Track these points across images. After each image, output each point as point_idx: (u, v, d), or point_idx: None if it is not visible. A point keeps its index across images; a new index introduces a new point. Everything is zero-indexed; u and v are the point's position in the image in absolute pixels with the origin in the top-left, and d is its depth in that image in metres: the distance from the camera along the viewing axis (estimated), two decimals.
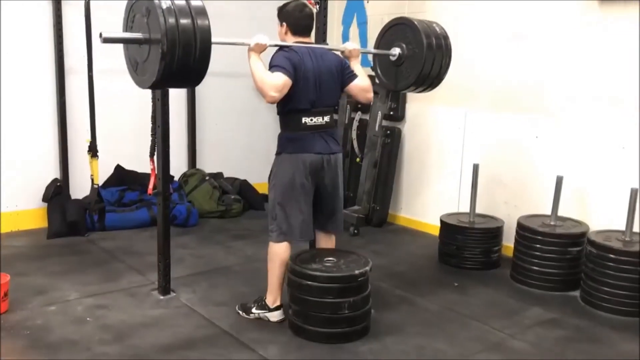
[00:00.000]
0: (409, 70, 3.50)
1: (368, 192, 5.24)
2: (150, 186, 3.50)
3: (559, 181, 3.95)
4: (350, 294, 3.04)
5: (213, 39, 2.56)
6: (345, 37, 5.77)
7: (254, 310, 3.31)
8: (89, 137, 4.78)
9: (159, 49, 2.41)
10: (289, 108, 3.10)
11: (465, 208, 4.51)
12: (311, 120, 3.12)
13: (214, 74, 6.30)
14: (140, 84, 2.68)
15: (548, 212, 4.02)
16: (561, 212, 4.01)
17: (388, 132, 5.20)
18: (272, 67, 3.00)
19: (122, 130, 5.18)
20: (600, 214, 4.01)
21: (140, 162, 4.81)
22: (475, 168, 4.37)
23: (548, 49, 4.24)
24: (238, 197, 5.62)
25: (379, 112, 5.21)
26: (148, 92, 3.50)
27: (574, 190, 4.12)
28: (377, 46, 3.69)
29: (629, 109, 3.84)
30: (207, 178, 5.56)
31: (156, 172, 3.51)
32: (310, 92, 3.08)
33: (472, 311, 3.54)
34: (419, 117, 5.21)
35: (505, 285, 3.99)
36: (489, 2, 4.56)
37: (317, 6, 3.92)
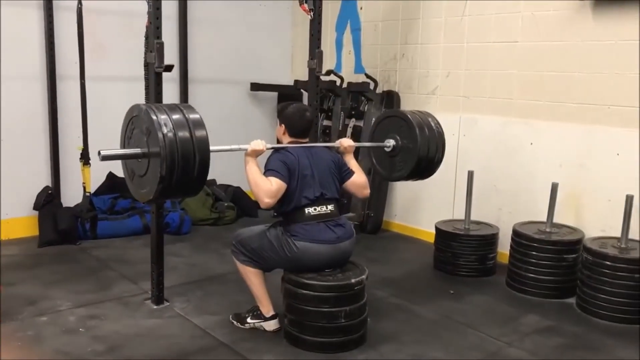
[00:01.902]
0: (404, 162, 3.54)
1: (362, 199, 5.21)
2: None
3: (554, 188, 3.95)
4: (346, 302, 3.01)
5: (211, 147, 2.59)
6: (339, 44, 5.77)
7: (249, 320, 3.27)
8: (80, 145, 4.75)
9: (159, 166, 2.44)
10: (291, 207, 3.08)
11: (460, 215, 4.50)
12: (315, 210, 3.09)
13: (208, 81, 6.33)
14: (139, 196, 2.69)
15: (543, 219, 4.02)
16: (556, 219, 4.01)
17: None
18: (267, 170, 3.04)
19: (114, 138, 5.08)
20: (595, 220, 4.01)
21: None
22: (470, 175, 4.36)
23: (543, 54, 4.24)
24: (231, 204, 5.59)
25: (373, 119, 5.19)
26: (141, 98, 3.47)
27: (569, 197, 4.12)
28: (371, 136, 3.73)
29: (624, 115, 3.85)
30: None
31: None
32: (310, 187, 3.09)
33: (468, 319, 3.53)
34: None
35: (501, 293, 3.97)
36: (482, 6, 4.57)
37: (312, 13, 3.91)
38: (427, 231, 4.96)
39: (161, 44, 3.25)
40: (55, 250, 4.53)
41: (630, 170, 3.81)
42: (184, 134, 2.49)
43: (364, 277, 3.09)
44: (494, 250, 4.31)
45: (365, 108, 5.30)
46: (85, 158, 4.75)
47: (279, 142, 3.30)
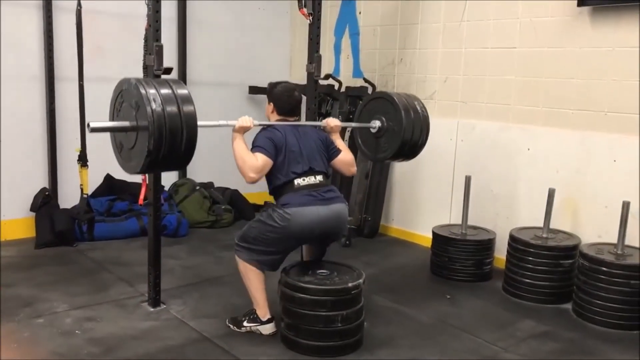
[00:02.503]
0: (388, 143, 3.56)
1: (360, 203, 5.22)
2: (142, 196, 3.47)
3: (551, 193, 3.96)
4: (343, 306, 3.01)
5: (199, 123, 2.61)
6: (338, 48, 5.78)
7: (245, 323, 3.27)
8: (78, 146, 4.75)
9: (147, 140, 2.45)
10: (280, 182, 3.12)
11: (458, 219, 4.51)
12: (304, 180, 3.12)
13: (207, 83, 6.34)
14: (127, 169, 2.71)
15: (540, 224, 4.02)
16: (553, 225, 4.02)
17: None
18: (254, 147, 3.08)
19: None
20: (592, 226, 4.02)
21: None
22: (468, 180, 4.37)
23: (541, 60, 4.26)
24: (229, 207, 5.59)
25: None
26: None
27: (566, 202, 4.14)
28: (358, 116, 3.76)
29: (621, 122, 3.87)
30: (197, 188, 5.53)
31: (147, 182, 3.47)
32: (297, 162, 3.13)
33: (464, 323, 3.53)
34: None
35: (497, 298, 3.98)
36: (480, 12, 4.59)
37: (311, 17, 3.92)
38: (424, 235, 4.96)
39: (160, 47, 3.25)
40: (52, 252, 4.53)
41: (626, 176, 3.83)
42: (172, 109, 2.50)
43: (360, 281, 3.09)
44: (491, 255, 4.32)
45: None
46: (83, 160, 4.75)
47: (267, 120, 3.32)
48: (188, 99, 2.58)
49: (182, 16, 5.49)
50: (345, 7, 5.69)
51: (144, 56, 3.36)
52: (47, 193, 4.80)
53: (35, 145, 4.85)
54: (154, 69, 3.27)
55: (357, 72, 5.60)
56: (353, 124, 3.79)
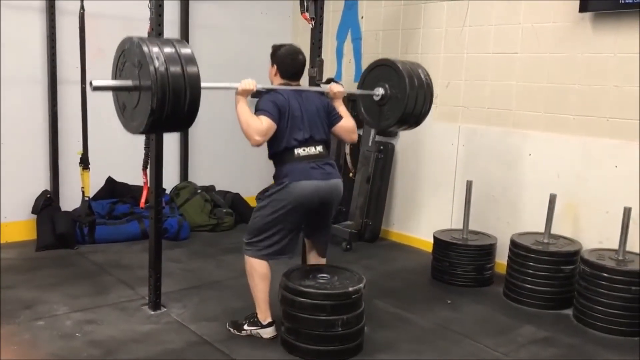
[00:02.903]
0: (391, 111, 3.53)
1: (361, 207, 5.22)
2: (143, 199, 3.47)
3: (552, 199, 3.96)
4: (343, 311, 3.01)
5: (202, 84, 2.58)
6: (340, 53, 5.79)
7: (245, 327, 3.27)
8: (80, 149, 4.76)
9: (150, 99, 2.42)
10: (280, 148, 3.12)
11: (459, 224, 4.51)
12: (304, 150, 3.14)
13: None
14: (130, 129, 2.68)
15: (541, 229, 4.02)
16: (554, 230, 4.01)
17: (381, 147, 5.20)
18: (257, 110, 3.08)
19: (114, 142, 5.13)
20: (593, 232, 4.01)
21: (132, 174, 4.77)
22: (469, 185, 4.37)
23: (542, 65, 4.26)
24: (230, 210, 5.59)
25: (372, 131, 5.21)
26: None
27: (567, 208, 4.13)
28: (361, 84, 3.72)
29: (622, 128, 3.87)
30: (198, 191, 5.53)
31: (148, 185, 3.47)
32: (299, 128, 3.13)
33: (465, 329, 3.52)
34: (413, 133, 5.15)
35: (498, 303, 3.97)
36: (482, 17, 4.59)
37: (313, 21, 3.93)
38: (425, 240, 4.96)
39: None
40: (53, 255, 4.53)
41: (628, 182, 3.82)
42: (175, 69, 2.46)
43: (361, 285, 3.09)
44: (492, 261, 4.32)
45: None
46: (84, 162, 4.75)
47: (271, 83, 3.31)
48: (192, 59, 2.54)
49: (184, 19, 5.50)
50: (348, 12, 5.70)
51: None
52: (48, 195, 4.81)
53: (37, 148, 4.86)
54: None
55: (358, 77, 5.59)
56: (356, 91, 3.72)
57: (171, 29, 5.32)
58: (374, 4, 5.46)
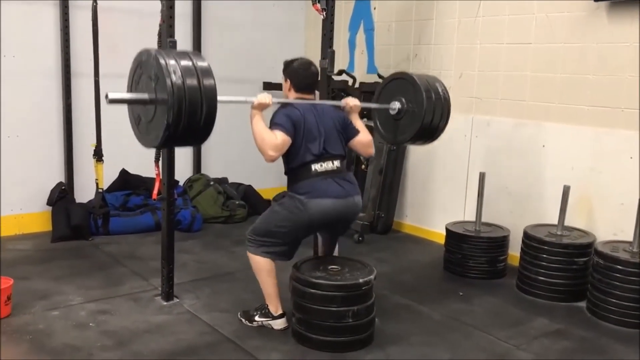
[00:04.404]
0: (408, 125, 3.49)
1: (373, 199, 5.21)
2: (155, 191, 3.48)
3: (566, 191, 3.92)
4: (354, 302, 3.01)
5: (218, 98, 2.56)
6: (352, 44, 5.77)
7: (256, 318, 3.28)
8: (94, 141, 4.79)
9: (166, 113, 2.41)
10: (297, 163, 3.09)
11: (471, 216, 4.49)
12: (321, 166, 3.09)
13: (220, 79, 6.30)
14: (144, 142, 2.68)
15: (554, 221, 3.99)
16: (568, 222, 3.98)
17: None
18: (272, 125, 3.04)
19: (127, 135, 5.14)
20: (607, 224, 3.98)
21: (145, 166, 4.79)
22: (482, 176, 4.34)
23: (556, 55, 4.21)
24: (242, 202, 5.61)
25: None
26: None
27: (581, 200, 4.09)
28: (377, 98, 3.69)
29: (638, 118, 3.82)
30: (211, 183, 5.55)
31: (161, 177, 3.49)
32: (316, 143, 3.09)
33: (477, 321, 3.51)
34: None
35: (510, 295, 3.95)
36: (496, 8, 4.55)
37: (324, 13, 3.91)
38: (437, 232, 4.95)
39: (174, 42, 3.26)
40: (67, 246, 4.58)
41: None
42: (192, 81, 2.45)
43: (372, 277, 3.09)
44: (505, 253, 4.29)
45: None
46: (98, 155, 4.79)
47: (286, 98, 3.28)
48: (208, 72, 2.53)
49: (197, 12, 5.51)
50: (360, 3, 5.67)
51: None
52: (63, 187, 4.86)
53: (52, 140, 4.91)
54: None
55: (371, 68, 5.59)
56: (372, 105, 3.70)
57: (183, 22, 5.33)
58: None
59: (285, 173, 3.19)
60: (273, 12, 6.03)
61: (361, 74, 5.58)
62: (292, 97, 3.24)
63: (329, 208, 3.05)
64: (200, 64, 2.53)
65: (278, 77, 5.95)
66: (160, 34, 3.35)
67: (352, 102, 3.35)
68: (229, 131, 5.94)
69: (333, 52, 4.02)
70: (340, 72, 5.35)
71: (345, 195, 3.10)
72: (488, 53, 4.64)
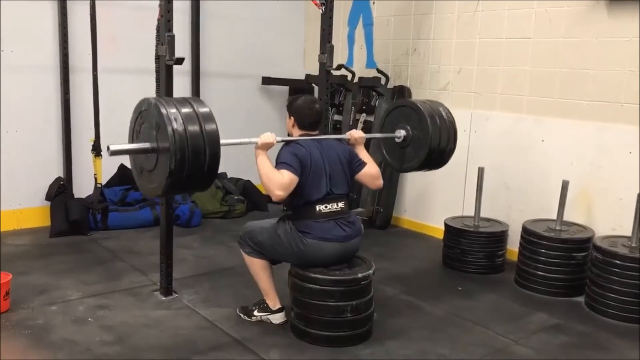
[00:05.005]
0: (414, 153, 3.50)
1: (372, 194, 5.21)
2: None
3: (565, 186, 3.92)
4: (352, 297, 3.01)
5: (221, 141, 2.58)
6: (351, 39, 5.75)
7: (255, 313, 3.29)
8: (92, 136, 4.79)
9: (168, 160, 2.42)
10: (301, 201, 3.07)
11: (470, 211, 4.48)
12: (325, 207, 3.07)
13: (220, 74, 6.33)
14: (147, 191, 2.69)
15: (553, 216, 3.99)
16: (567, 217, 3.98)
17: None
18: (278, 164, 3.01)
19: (126, 130, 5.14)
20: (606, 219, 3.98)
21: None
22: (481, 171, 4.34)
23: (556, 50, 4.20)
24: (241, 197, 5.61)
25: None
26: (152, 91, 3.49)
27: (580, 195, 4.09)
28: (381, 126, 3.69)
29: (637, 113, 3.81)
30: None
31: None
32: (321, 181, 3.07)
33: (475, 316, 3.52)
34: None
35: (509, 290, 3.96)
36: (495, 2, 4.54)
37: (323, 7, 3.90)
38: (436, 227, 4.94)
39: (172, 37, 3.25)
40: (66, 241, 4.58)
41: None
42: (194, 128, 2.48)
43: (370, 272, 3.09)
44: (503, 248, 4.30)
45: (377, 103, 5.28)
46: (96, 150, 4.78)
47: (289, 135, 3.28)
48: (210, 117, 2.54)
49: (195, 7, 5.49)
50: None
51: (156, 46, 3.36)
52: (61, 182, 4.85)
53: (50, 135, 4.90)
54: (165, 59, 3.27)
55: (370, 63, 5.58)
56: (377, 135, 3.70)
57: (182, 17, 5.32)
58: None
59: (287, 207, 3.19)
60: (272, 6, 6.01)
61: (360, 69, 5.57)
62: (296, 134, 3.21)
63: (329, 250, 3.05)
64: (202, 109, 2.56)
65: (277, 71, 6.03)
66: (158, 29, 3.33)
67: (356, 134, 3.35)
68: (228, 126, 5.94)
69: (332, 47, 4.02)
70: (339, 67, 5.35)
71: (346, 238, 3.09)
72: (487, 48, 4.63)
